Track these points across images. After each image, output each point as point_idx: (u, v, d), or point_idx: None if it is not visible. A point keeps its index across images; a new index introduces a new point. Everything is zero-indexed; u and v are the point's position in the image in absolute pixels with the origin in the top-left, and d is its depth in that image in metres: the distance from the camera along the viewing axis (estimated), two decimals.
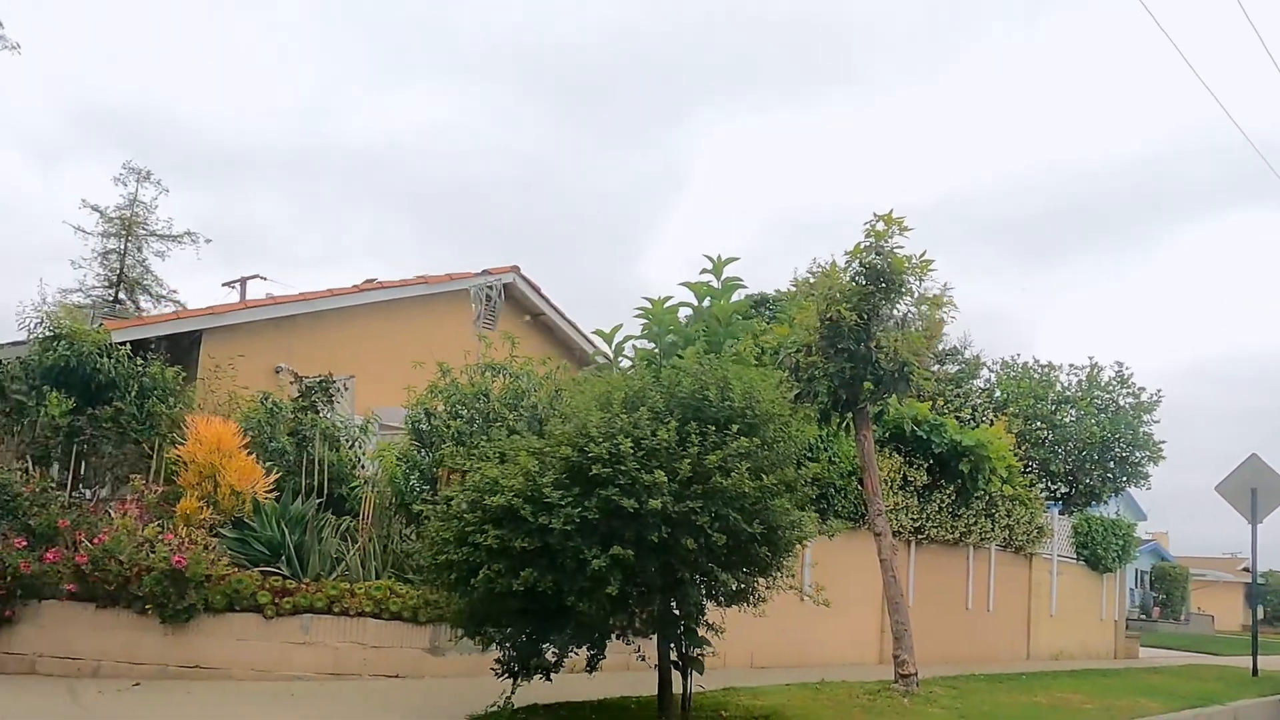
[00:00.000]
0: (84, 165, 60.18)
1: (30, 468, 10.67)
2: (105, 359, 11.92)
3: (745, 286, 15.54)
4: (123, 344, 12.46)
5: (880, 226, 10.69)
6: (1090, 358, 26.98)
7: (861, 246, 10.76)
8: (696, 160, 74.37)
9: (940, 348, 21.37)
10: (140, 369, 12.13)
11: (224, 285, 28.03)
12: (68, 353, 11.76)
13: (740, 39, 73.90)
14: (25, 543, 9.25)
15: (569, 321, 18.56)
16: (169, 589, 9.18)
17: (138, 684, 8.89)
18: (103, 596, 9.26)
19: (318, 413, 12.95)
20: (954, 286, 11.04)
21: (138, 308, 37.62)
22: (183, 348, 13.83)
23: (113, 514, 10.00)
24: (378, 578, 10.38)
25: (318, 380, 13.34)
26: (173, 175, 59.95)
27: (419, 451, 11.28)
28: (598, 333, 16.12)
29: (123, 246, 37.17)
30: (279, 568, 10.07)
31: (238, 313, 14.62)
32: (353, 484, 11.71)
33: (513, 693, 7.64)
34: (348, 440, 12.97)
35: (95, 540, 9.36)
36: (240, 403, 13.03)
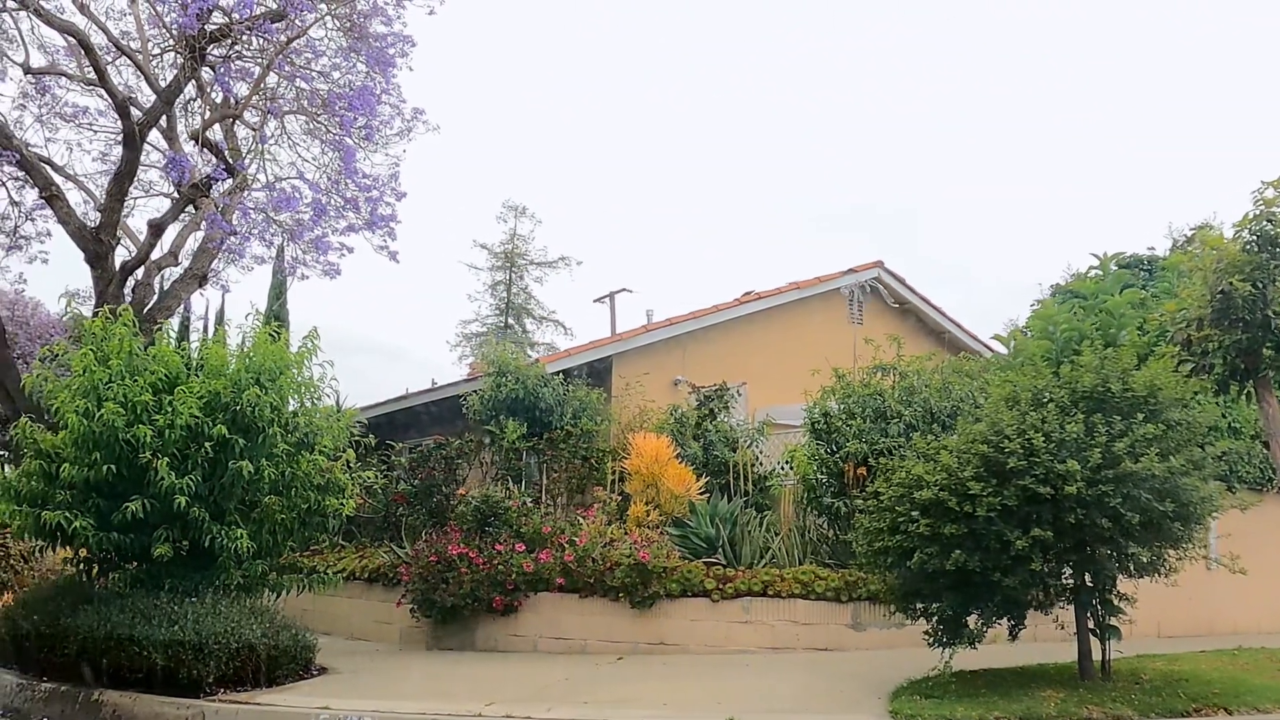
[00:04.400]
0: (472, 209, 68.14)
1: (509, 484, 13.05)
2: (545, 388, 14.22)
3: (1133, 284, 15.75)
4: (556, 374, 14.75)
5: (1270, 194, 10.55)
6: None
7: (1250, 216, 10.68)
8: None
9: None
10: (569, 393, 14.34)
11: (595, 301, 31.06)
12: (516, 386, 14.16)
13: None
14: (523, 547, 11.47)
15: (935, 308, 19.22)
16: (635, 580, 11.04)
17: (620, 658, 10.81)
18: (584, 587, 11.31)
19: (715, 418, 14.55)
20: None
21: (524, 330, 42.30)
22: (597, 371, 15.95)
23: (582, 520, 12.06)
24: (800, 564, 11.72)
25: (714, 389, 14.95)
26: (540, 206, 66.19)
27: (822, 449, 12.48)
28: (995, 337, 17.39)
29: (508, 277, 42.02)
30: (716, 558, 11.69)
31: (639, 336, 16.57)
32: (768, 482, 13.17)
33: (950, 659, 8.64)
34: (745, 441, 14.45)
35: (578, 542, 11.41)
36: (650, 415, 14.89)
